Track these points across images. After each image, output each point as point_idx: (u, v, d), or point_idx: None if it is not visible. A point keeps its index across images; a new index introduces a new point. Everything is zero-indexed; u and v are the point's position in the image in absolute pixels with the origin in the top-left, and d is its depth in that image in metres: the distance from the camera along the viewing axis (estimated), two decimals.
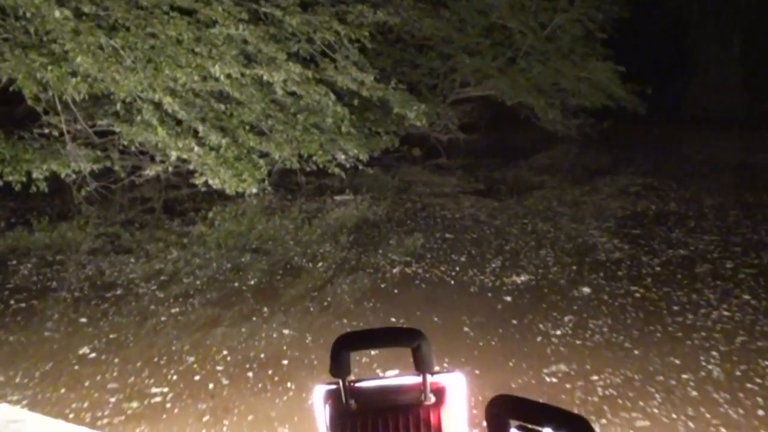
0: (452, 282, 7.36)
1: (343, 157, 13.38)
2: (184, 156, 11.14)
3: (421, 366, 1.94)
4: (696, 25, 27.80)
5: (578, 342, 5.65)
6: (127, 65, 10.05)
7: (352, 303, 6.76)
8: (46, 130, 10.95)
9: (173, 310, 6.50)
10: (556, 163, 18.92)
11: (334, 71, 13.19)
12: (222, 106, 11.91)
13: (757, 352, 5.49)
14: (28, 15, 9.51)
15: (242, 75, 11.24)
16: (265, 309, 6.54)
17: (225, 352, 5.55)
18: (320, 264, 8.14)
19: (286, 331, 5.95)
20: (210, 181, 11.19)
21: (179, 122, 11.29)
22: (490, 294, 6.92)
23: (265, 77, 11.29)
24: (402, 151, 17.38)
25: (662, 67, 25.17)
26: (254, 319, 6.28)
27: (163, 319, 6.31)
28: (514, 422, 1.47)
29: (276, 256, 8.56)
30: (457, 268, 7.81)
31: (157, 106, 10.69)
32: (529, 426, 1.47)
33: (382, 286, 7.19)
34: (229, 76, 11.00)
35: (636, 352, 5.48)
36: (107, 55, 9.87)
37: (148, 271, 7.83)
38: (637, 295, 6.90)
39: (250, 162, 11.84)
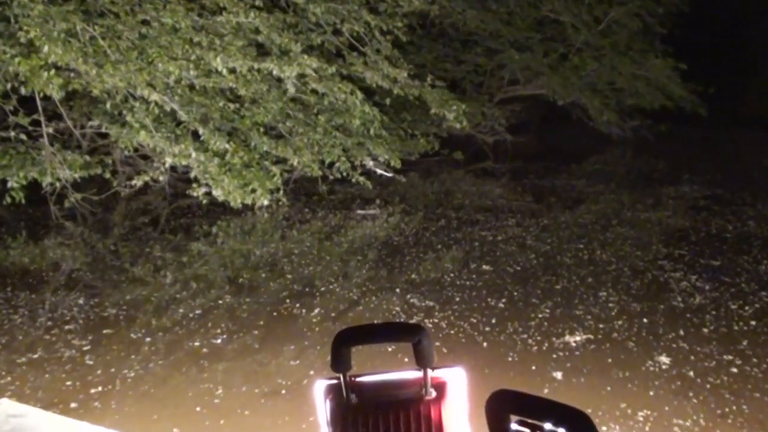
0: (485, 344, 5.60)
1: (371, 163, 11.78)
2: (184, 162, 9.63)
3: (422, 361, 1.97)
4: (755, 20, 25.63)
5: None
6: (109, 56, 8.52)
7: None
8: (12, 133, 9.39)
9: (84, 395, 4.74)
10: (610, 168, 17.12)
11: (362, 66, 11.60)
12: (231, 106, 10.34)
13: None
14: None
15: (250, 69, 9.65)
16: (219, 391, 4.77)
17: None
18: (316, 311, 6.38)
19: None
20: (214, 192, 9.68)
21: (180, 123, 9.80)
22: (534, 366, 5.14)
23: (275, 72, 9.68)
24: (443, 155, 15.68)
25: (721, 65, 23.31)
26: (198, 409, 4.54)
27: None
28: (514, 417, 1.48)
29: (263, 296, 6.84)
30: (494, 320, 6.08)
31: (151, 104, 9.20)
32: (529, 421, 1.47)
33: (390, 349, 5.39)
34: (233, 70, 9.46)
35: None
36: (82, 44, 8.34)
37: (93, 317, 6.15)
38: (734, 369, 5.11)
39: (261, 169, 10.29)
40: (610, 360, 5.29)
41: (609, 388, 4.80)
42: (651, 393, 4.73)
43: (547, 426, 1.43)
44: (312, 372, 5.15)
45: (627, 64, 19.11)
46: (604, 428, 4.21)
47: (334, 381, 2.01)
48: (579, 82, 18.87)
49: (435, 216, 10.44)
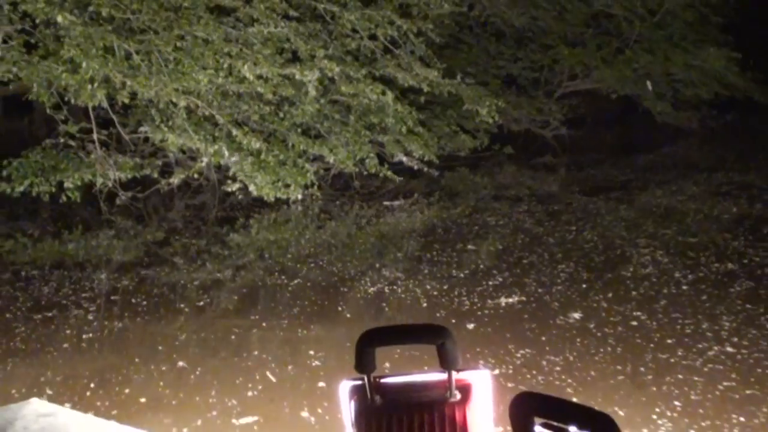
0: (425, 303, 6.47)
1: (405, 158, 12.70)
2: (221, 161, 10.77)
3: (446, 363, 1.94)
4: None
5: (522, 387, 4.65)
6: (142, 69, 9.68)
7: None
8: (62, 140, 10.72)
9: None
10: (661, 159, 17.30)
11: (394, 68, 12.50)
12: (267, 108, 11.42)
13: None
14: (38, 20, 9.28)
15: (279, 75, 10.67)
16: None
17: None
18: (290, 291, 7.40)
19: None
20: (250, 188, 10.77)
21: (218, 126, 10.92)
22: (454, 320, 5.98)
23: (297, 76, 10.69)
24: (493, 150, 16.22)
25: None
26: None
27: None
28: (538, 420, 1.49)
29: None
30: (446, 287, 6.92)
31: (187, 110, 10.36)
32: (554, 423, 1.49)
33: (337, 308, 6.30)
34: (260, 76, 10.49)
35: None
36: (118, 59, 9.53)
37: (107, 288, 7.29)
38: (634, 323, 5.81)
39: (294, 166, 11.31)
40: (526, 316, 6.09)
41: (508, 335, 5.60)
42: (543, 338, 5.52)
43: (572, 429, 1.45)
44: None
45: (681, 54, 19.25)
46: (482, 361, 4.99)
47: (359, 382, 2.03)
48: (633, 75, 19.13)
49: (452, 204, 11.26)
